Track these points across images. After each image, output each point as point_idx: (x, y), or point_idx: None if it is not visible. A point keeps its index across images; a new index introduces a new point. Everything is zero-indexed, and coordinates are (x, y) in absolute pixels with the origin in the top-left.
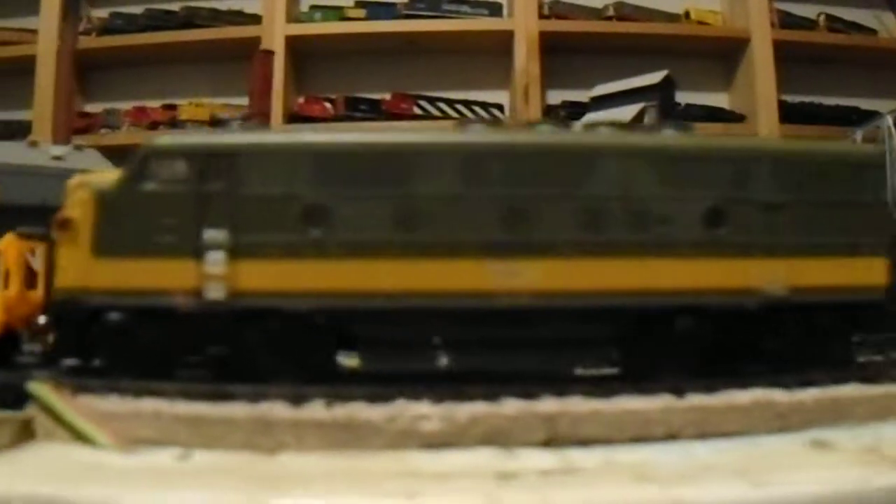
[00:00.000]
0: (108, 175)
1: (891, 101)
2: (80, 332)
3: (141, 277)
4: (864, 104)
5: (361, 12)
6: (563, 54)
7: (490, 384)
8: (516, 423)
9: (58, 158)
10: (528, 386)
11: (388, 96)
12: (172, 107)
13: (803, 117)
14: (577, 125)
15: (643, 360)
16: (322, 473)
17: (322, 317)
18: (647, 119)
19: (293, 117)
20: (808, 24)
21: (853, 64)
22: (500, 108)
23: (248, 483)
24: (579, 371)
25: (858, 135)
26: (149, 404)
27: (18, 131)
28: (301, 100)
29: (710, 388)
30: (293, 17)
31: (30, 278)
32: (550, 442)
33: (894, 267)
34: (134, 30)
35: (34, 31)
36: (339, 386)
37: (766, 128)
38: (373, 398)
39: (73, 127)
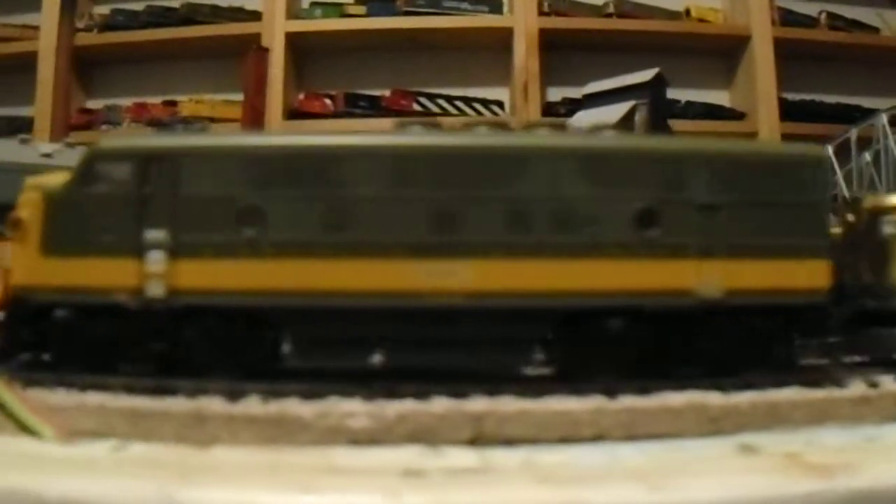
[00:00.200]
0: (59, 176)
1: (893, 99)
2: (29, 329)
3: (86, 276)
4: (866, 102)
5: (361, 9)
6: (563, 51)
7: (425, 383)
8: (443, 421)
9: (47, 156)
10: (462, 385)
11: (388, 93)
12: (173, 103)
13: (804, 115)
14: (518, 127)
15: (576, 360)
16: (242, 467)
17: (256, 314)
18: (637, 117)
19: (293, 114)
20: (809, 21)
21: (854, 62)
22: (500, 104)
23: (165, 474)
24: (520, 371)
25: (854, 133)
26: (93, 398)
27: (22, 127)
28: (301, 96)
29: (644, 390)
30: (293, 13)
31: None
32: (476, 441)
33: (838, 269)
34: (135, 26)
35: (36, 28)
36: (279, 383)
37: (767, 125)
38: (307, 395)
39: (74, 123)
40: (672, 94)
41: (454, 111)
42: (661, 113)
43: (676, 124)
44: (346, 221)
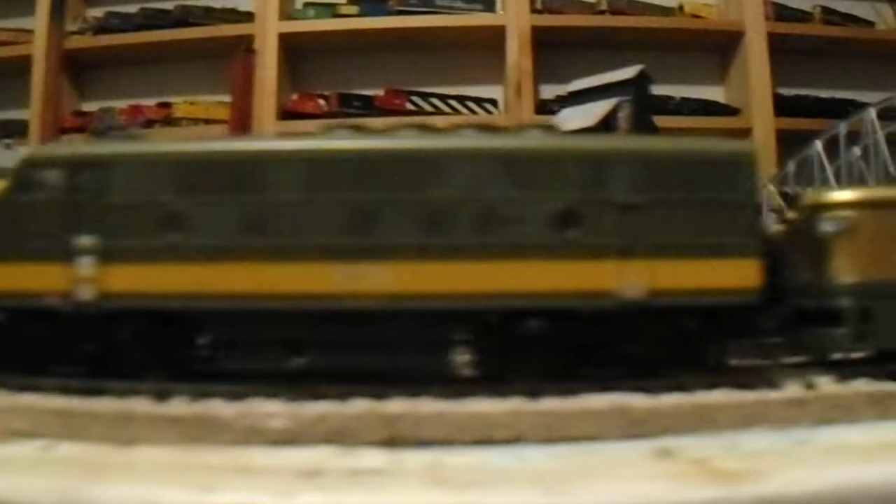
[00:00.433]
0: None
1: (888, 93)
2: None
3: (19, 280)
4: (861, 97)
5: (354, 9)
6: (556, 49)
7: (348, 385)
8: (359, 422)
9: None
10: (381, 387)
11: (381, 92)
12: (167, 105)
13: (798, 110)
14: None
15: (497, 362)
16: (155, 467)
17: (183, 317)
18: (620, 114)
19: (287, 114)
20: (803, 16)
21: (850, 56)
22: (493, 102)
23: (83, 473)
24: (447, 374)
25: (843, 128)
26: (25, 399)
27: (16, 131)
28: (295, 97)
29: (566, 392)
30: (286, 14)
31: None
32: (391, 442)
33: (769, 269)
34: (129, 29)
35: (31, 31)
36: (207, 384)
37: (761, 121)
38: (233, 396)
39: (68, 126)
40: (666, 90)
41: (448, 110)
42: (646, 110)
43: (671, 121)
44: (266, 225)
